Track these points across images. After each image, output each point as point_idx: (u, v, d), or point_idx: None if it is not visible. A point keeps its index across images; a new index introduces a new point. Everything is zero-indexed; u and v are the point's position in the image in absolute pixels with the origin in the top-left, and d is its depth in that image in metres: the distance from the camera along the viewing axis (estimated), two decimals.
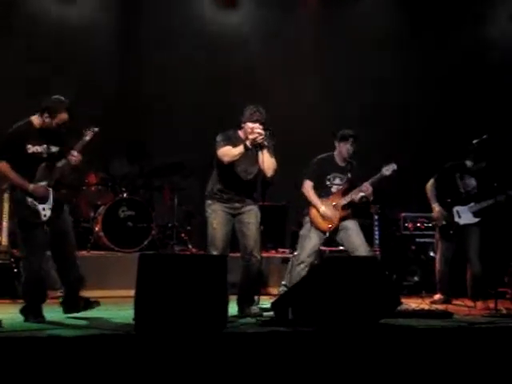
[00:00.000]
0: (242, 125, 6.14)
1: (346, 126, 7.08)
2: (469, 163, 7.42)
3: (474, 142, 7.33)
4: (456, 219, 7.32)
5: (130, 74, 9.79)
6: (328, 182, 6.90)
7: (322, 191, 6.88)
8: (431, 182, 7.56)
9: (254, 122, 6.03)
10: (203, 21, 10.19)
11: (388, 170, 6.83)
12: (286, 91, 10.08)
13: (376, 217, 8.25)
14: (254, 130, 5.99)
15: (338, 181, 6.92)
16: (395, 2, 10.86)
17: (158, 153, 9.24)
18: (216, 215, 6.14)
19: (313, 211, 6.84)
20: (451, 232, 7.34)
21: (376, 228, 8.20)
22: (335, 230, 6.82)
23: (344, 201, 6.84)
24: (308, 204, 6.90)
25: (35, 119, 5.61)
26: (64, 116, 5.56)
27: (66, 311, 5.73)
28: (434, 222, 7.71)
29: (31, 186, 5.48)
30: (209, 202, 6.22)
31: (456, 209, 7.34)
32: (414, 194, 8.34)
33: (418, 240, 8.79)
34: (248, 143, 5.91)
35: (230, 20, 10.34)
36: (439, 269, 7.52)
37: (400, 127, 10.39)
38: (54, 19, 9.43)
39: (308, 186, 6.90)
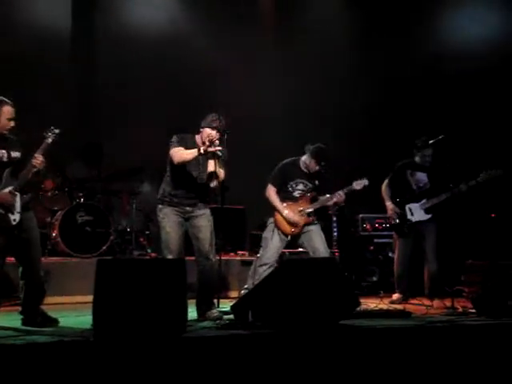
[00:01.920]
0: (201, 129, 6.13)
1: (305, 131, 7.14)
2: (418, 159, 7.57)
3: (431, 141, 7.47)
4: (409, 216, 7.48)
5: (88, 75, 9.73)
6: (290, 188, 6.93)
7: (285, 196, 6.92)
8: (385, 182, 7.73)
9: (213, 128, 6.04)
10: (165, 21, 10.20)
11: (359, 184, 6.90)
12: (248, 94, 10.12)
13: (334, 218, 8.32)
14: (210, 136, 5.98)
15: (301, 186, 6.95)
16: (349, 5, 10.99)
17: (116, 156, 9.19)
18: (168, 219, 6.12)
19: (278, 215, 6.87)
20: (405, 230, 7.48)
21: (334, 229, 8.27)
22: (298, 233, 6.87)
23: (311, 208, 6.89)
24: (272, 207, 6.92)
25: None
26: (8, 109, 5.48)
27: (24, 323, 5.56)
28: (388, 222, 7.82)
29: None
30: (160, 206, 6.21)
31: (408, 206, 7.50)
32: (372, 194, 8.40)
33: (376, 240, 8.88)
34: (202, 149, 5.89)
35: (191, 22, 10.32)
36: (397, 268, 7.61)
37: (356, 128, 10.47)
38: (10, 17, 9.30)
39: (271, 191, 6.93)
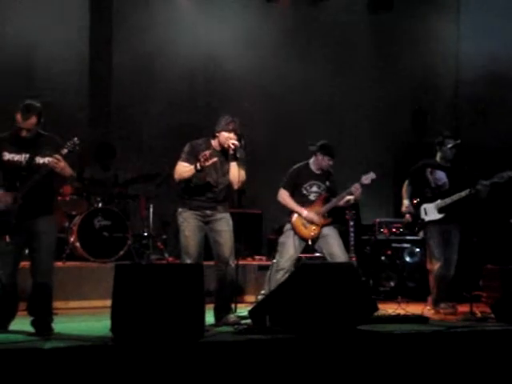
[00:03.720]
0: (217, 134, 6.13)
1: (319, 134, 7.14)
2: (439, 156, 7.49)
3: (449, 146, 7.40)
4: (422, 216, 7.36)
5: (102, 80, 9.79)
6: (305, 191, 6.93)
7: (301, 200, 6.91)
8: (406, 182, 7.60)
9: (230, 131, 6.04)
10: (179, 27, 10.22)
11: (367, 179, 6.89)
12: (263, 98, 10.12)
13: (351, 222, 8.28)
14: (228, 139, 6.00)
15: (315, 188, 6.95)
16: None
17: (133, 161, 9.24)
18: (187, 223, 6.12)
19: (295, 219, 6.86)
20: (416, 229, 7.43)
21: (351, 234, 8.23)
22: (316, 237, 6.86)
23: (325, 209, 6.89)
24: (289, 212, 6.92)
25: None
26: (18, 118, 5.39)
27: (38, 333, 5.40)
28: (404, 220, 7.75)
29: None
30: (180, 209, 6.21)
31: (423, 206, 7.38)
32: (389, 199, 8.40)
33: (393, 245, 8.83)
34: (198, 166, 5.91)
35: (205, 28, 10.28)
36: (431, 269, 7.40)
37: (375, 131, 10.47)
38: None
39: (284, 195, 6.93)
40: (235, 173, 6.05)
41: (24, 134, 5.44)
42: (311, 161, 7.00)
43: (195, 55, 10.03)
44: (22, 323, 5.56)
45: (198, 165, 5.89)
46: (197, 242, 6.10)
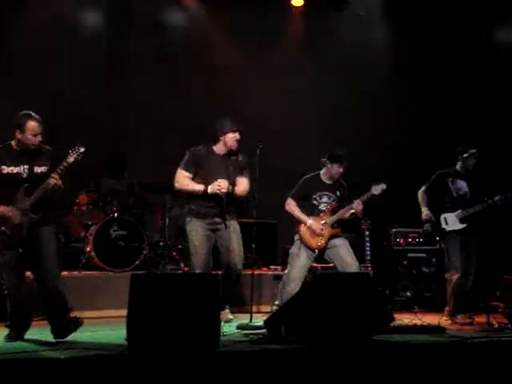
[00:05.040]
0: (221, 137, 6.13)
1: (338, 144, 7.12)
2: (460, 165, 7.42)
3: (464, 156, 7.35)
4: (443, 225, 7.29)
5: (116, 94, 9.85)
6: (315, 201, 6.93)
7: (311, 210, 6.91)
8: (423, 188, 7.50)
9: (235, 131, 6.08)
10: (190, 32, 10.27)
11: (377, 189, 6.87)
12: (279, 108, 10.12)
13: (367, 232, 8.27)
14: (235, 138, 6.03)
15: (325, 199, 6.95)
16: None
17: (146, 171, 9.28)
18: (196, 232, 6.15)
19: (302, 229, 6.87)
20: (437, 238, 7.38)
21: (367, 243, 8.22)
22: (324, 248, 6.84)
23: (333, 219, 6.87)
24: (297, 222, 6.92)
25: (13, 141, 5.55)
26: (32, 124, 5.43)
27: (56, 337, 5.48)
28: (422, 229, 7.68)
29: None
30: (188, 218, 6.25)
31: (444, 216, 7.31)
32: (405, 209, 8.31)
33: (409, 255, 8.78)
34: (209, 190, 6.03)
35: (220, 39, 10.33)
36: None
37: (391, 139, 10.43)
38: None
39: (291, 204, 6.95)
40: (244, 183, 6.09)
41: (35, 144, 5.48)
42: (322, 171, 7.01)
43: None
44: (41, 333, 5.60)
45: (209, 189, 5.96)
46: (205, 252, 6.13)
